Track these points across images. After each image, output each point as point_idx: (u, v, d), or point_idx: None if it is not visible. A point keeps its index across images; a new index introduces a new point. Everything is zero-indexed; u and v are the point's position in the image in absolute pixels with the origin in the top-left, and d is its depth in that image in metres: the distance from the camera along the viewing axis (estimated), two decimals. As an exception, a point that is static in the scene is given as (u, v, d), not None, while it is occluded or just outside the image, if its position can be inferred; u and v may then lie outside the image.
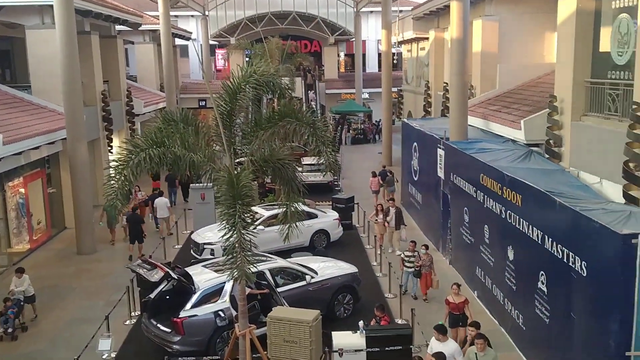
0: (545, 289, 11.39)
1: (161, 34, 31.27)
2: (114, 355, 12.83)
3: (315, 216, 19.83)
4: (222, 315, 12.43)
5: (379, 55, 49.30)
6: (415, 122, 24.62)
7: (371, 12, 54.13)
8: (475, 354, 9.91)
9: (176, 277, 12.53)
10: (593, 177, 13.88)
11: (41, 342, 13.68)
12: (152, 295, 12.96)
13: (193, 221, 21.10)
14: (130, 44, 38.43)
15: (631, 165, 11.81)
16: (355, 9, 48.75)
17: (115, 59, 28.45)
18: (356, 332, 11.55)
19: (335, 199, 22.41)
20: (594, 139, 13.83)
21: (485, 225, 14.72)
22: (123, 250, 20.10)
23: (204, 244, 18.01)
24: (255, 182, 20.70)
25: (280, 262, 14.28)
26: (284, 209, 11.21)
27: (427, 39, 32.15)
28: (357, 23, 48.72)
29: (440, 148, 18.61)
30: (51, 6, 19.56)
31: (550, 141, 15.57)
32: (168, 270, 12.48)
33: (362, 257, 18.92)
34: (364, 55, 53.28)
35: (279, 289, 13.42)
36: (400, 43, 40.01)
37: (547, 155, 15.81)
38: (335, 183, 28.37)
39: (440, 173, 18.68)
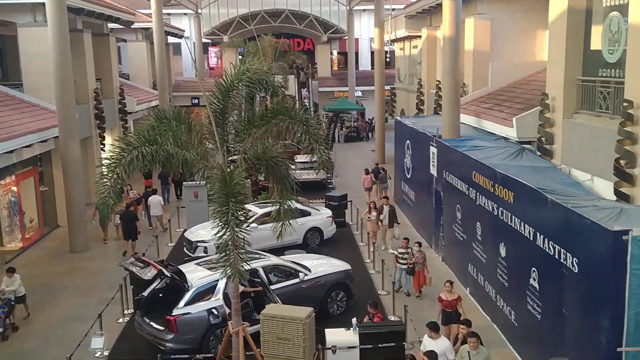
0: (537, 286, 11.46)
1: (154, 32, 31.17)
2: (107, 353, 12.80)
3: (309, 214, 19.85)
4: (216, 312, 12.43)
5: (372, 53, 49.33)
6: (408, 120, 24.67)
7: (364, 10, 54.16)
8: (468, 352, 9.95)
9: (169, 275, 12.51)
10: (584, 175, 13.96)
11: (34, 340, 13.65)
12: (145, 293, 12.94)
13: (186, 219, 21.07)
14: (122, 42, 38.28)
15: (622, 162, 11.90)
16: (348, 7, 48.74)
17: (108, 56, 28.34)
18: (349, 329, 11.58)
19: (329, 197, 22.43)
20: (585, 137, 13.92)
21: (478, 223, 14.79)
22: (116, 249, 20.07)
23: (197, 241, 17.99)
24: (249, 180, 20.69)
25: (273, 260, 14.30)
26: (277, 207, 11.22)
27: (419, 37, 32.19)
28: (350, 21, 48.72)
29: (432, 146, 18.67)
30: (43, 4, 19.47)
31: (542, 139, 15.65)
32: (161, 268, 12.47)
33: (355, 255, 18.96)
34: (356, 54, 53.31)
35: (272, 287, 13.44)
36: (393, 41, 40.06)
37: (538, 153, 15.90)
38: (329, 181, 28.39)
39: (433, 170, 18.74)
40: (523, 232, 11.97)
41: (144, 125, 10.62)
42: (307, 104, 41.31)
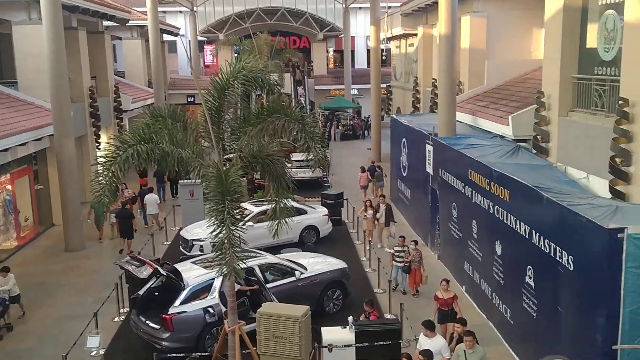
0: (532, 284, 11.48)
1: (149, 30, 31.11)
2: (103, 352, 12.78)
3: (305, 212, 19.84)
4: (212, 311, 12.41)
5: (368, 51, 49.29)
6: (404, 118, 24.67)
7: (360, 8, 54.16)
8: (464, 351, 9.95)
9: (165, 274, 12.49)
10: (580, 173, 13.99)
11: (29, 339, 13.60)
12: (140, 292, 12.91)
13: (182, 217, 21.04)
14: (117, 40, 38.18)
15: (617, 160, 11.93)
16: (344, 5, 48.72)
17: (103, 54, 28.27)
18: (345, 327, 11.58)
19: (325, 195, 22.43)
20: (581, 135, 13.94)
21: (474, 221, 14.80)
22: (111, 247, 20.03)
23: (193, 240, 17.97)
24: (244, 178, 20.68)
25: (269, 258, 14.29)
26: (273, 205, 11.21)
27: (415, 35, 32.19)
28: (346, 19, 48.70)
29: (428, 144, 18.68)
30: (38, 2, 19.39)
31: (538, 137, 15.67)
32: (157, 266, 12.45)
33: (352, 253, 18.96)
34: (352, 52, 53.32)
35: (269, 285, 13.43)
36: (389, 39, 40.03)
37: (534, 151, 15.92)
38: (325, 179, 28.39)
39: (429, 169, 18.75)
40: (519, 230, 11.98)
41: (140, 124, 10.60)
42: (303, 102, 41.24)
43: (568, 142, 14.51)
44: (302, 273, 14.12)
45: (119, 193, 21.08)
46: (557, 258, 10.37)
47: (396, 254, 15.77)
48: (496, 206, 13.23)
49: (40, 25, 19.29)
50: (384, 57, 47.61)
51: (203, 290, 12.66)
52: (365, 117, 46.93)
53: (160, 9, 37.78)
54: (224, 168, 9.79)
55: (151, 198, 21.54)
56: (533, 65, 21.01)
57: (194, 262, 13.96)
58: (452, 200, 16.56)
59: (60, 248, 19.79)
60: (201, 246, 17.60)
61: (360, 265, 17.83)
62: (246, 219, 16.20)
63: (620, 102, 11.95)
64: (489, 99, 20.77)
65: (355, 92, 49.25)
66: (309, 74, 49.82)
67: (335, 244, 19.73)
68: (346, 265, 15.33)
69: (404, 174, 22.75)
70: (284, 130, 10.65)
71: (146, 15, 31.62)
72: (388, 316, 14.00)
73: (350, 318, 11.77)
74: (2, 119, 18.67)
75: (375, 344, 11.14)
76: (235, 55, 42.16)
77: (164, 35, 40.14)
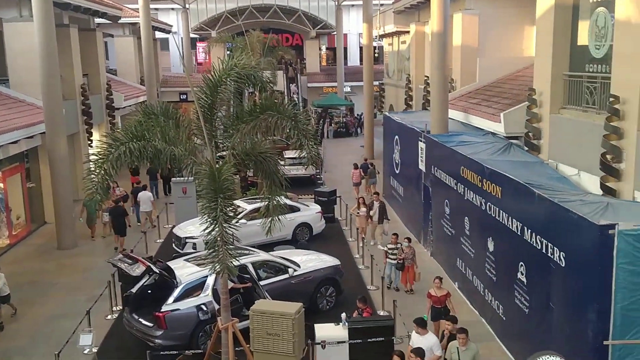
0: (524, 280, 11.54)
1: (141, 27, 30.97)
2: (96, 350, 12.76)
3: (298, 209, 19.84)
4: (205, 309, 12.41)
5: (361, 48, 49.32)
6: (396, 116, 24.70)
7: (352, 5, 54.14)
8: (457, 348, 10.00)
9: (158, 272, 12.47)
10: (571, 169, 14.08)
11: (21, 338, 13.55)
12: (133, 290, 12.89)
13: (175, 215, 21.01)
14: (109, 37, 38.01)
15: (608, 157, 12.01)
16: (336, 3, 48.70)
17: (95, 52, 28.16)
18: (339, 324, 11.61)
19: (318, 192, 22.45)
20: (572, 132, 14.02)
21: (466, 217, 14.86)
22: (104, 245, 19.98)
23: (186, 238, 17.95)
24: (237, 175, 20.68)
25: (262, 256, 14.29)
26: (266, 203, 11.21)
27: (408, 32, 32.23)
28: (339, 16, 48.68)
29: (421, 141, 18.71)
30: (29, -1, 19.32)
31: (530, 134, 15.75)
32: (150, 264, 12.42)
33: (345, 250, 18.99)
34: (345, 49, 53.30)
35: (262, 282, 13.44)
36: (382, 37, 40.08)
37: (526, 148, 15.99)
38: (318, 176, 28.39)
39: (422, 166, 18.79)
40: (511, 227, 12.04)
41: (132, 121, 10.56)
42: (295, 99, 41.19)
43: (559, 139, 14.58)
44: (295, 270, 14.14)
45: (110, 191, 21.01)
46: (549, 254, 10.43)
47: (389, 251, 15.80)
48: (488, 203, 13.28)
49: (32, 23, 19.19)
50: (376, 55, 47.66)
51: (196, 287, 12.66)
52: (358, 115, 46.96)
53: (152, 6, 37.58)
54: (217, 165, 9.77)
55: (145, 195, 21.51)
56: (525, 63, 21.09)
57: (187, 260, 13.95)
58: (445, 197, 16.61)
59: (53, 246, 19.72)
60: (194, 244, 17.58)
61: (353, 262, 17.86)
62: (239, 216, 16.21)
63: (611, 99, 12.02)
64: (481, 96, 20.83)
65: (348, 89, 49.26)
66: (301, 72, 49.72)
67: (328, 241, 19.75)
68: (339, 263, 15.36)
69: (397, 171, 22.79)
70: (277, 128, 10.65)
71: (138, 12, 31.48)
72: (381, 313, 14.03)
73: (343, 315, 11.80)
74: (-6, 117, 18.60)
75: (369, 340, 11.17)
76: (228, 52, 42.07)
77: (156, 32, 40.00)
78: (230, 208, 9.50)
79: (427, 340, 10.29)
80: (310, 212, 20.18)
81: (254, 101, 19.85)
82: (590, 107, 13.76)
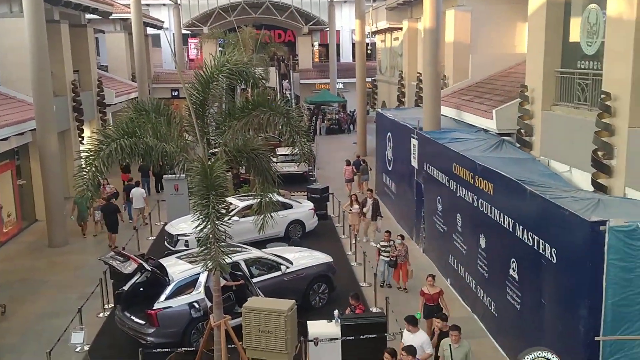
0: (516, 276, 11.57)
1: (132, 23, 30.82)
2: (87, 348, 12.71)
3: (290, 206, 19.83)
4: (197, 306, 12.39)
5: (353, 45, 49.29)
6: (389, 112, 24.72)
7: (345, 1, 54.10)
8: (450, 345, 10.01)
9: (150, 269, 12.43)
10: (563, 166, 14.12)
11: (12, 336, 13.48)
12: (125, 287, 12.85)
13: (167, 212, 20.94)
14: (100, 33, 37.78)
15: (599, 153, 12.05)
16: (328, -1, 48.65)
17: (86, 48, 27.98)
18: (331, 321, 11.61)
19: (310, 189, 22.43)
20: (564, 128, 14.05)
21: (458, 214, 14.88)
22: (95, 243, 19.90)
23: (178, 235, 17.89)
24: (230, 172, 20.61)
25: (255, 253, 14.27)
26: (259, 200, 11.18)
27: (400, 29, 32.21)
28: (331, 13, 48.59)
29: (413, 138, 18.73)
30: (19, -6, 19.18)
31: (522, 130, 15.78)
32: (141, 262, 12.37)
33: (337, 247, 18.99)
34: (338, 45, 53.23)
35: (254, 280, 13.42)
36: (374, 33, 40.04)
37: (518, 145, 16.02)
38: (310, 173, 28.37)
39: (414, 163, 18.81)
40: (502, 224, 12.07)
41: (123, 118, 10.50)
42: (288, 96, 41.12)
43: (551, 136, 14.62)
44: (287, 267, 14.12)
45: (101, 189, 20.92)
46: (541, 251, 10.47)
47: (382, 248, 15.80)
48: (480, 200, 13.31)
49: (22, 18, 19.05)
50: (369, 51, 47.61)
51: (188, 285, 12.63)
52: (350, 111, 46.94)
53: (143, 2, 37.43)
54: (209, 162, 9.73)
55: (137, 192, 21.45)
56: (517, 60, 21.12)
57: (179, 257, 13.91)
58: (437, 194, 16.63)
59: (44, 244, 19.62)
60: (186, 241, 17.52)
61: (346, 259, 17.86)
62: (231, 213, 16.16)
63: (602, 96, 12.06)
64: (473, 93, 20.85)
65: (341, 86, 49.23)
66: (294, 68, 49.66)
67: (321, 238, 19.75)
68: (332, 260, 15.36)
69: (389, 168, 22.81)
70: (269, 125, 10.61)
71: (129, 8, 31.32)
72: (374, 310, 14.04)
73: (336, 312, 11.79)
74: (-17, 114, 18.46)
75: (361, 337, 11.18)
76: (220, 48, 41.93)
77: (148, 28, 39.80)
78: (223, 205, 9.47)
79: (417, 338, 10.30)
80: (302, 209, 20.16)
81: (246, 98, 19.75)
82: (582, 103, 13.80)
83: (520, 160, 14.58)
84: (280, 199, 17.62)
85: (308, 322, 11.78)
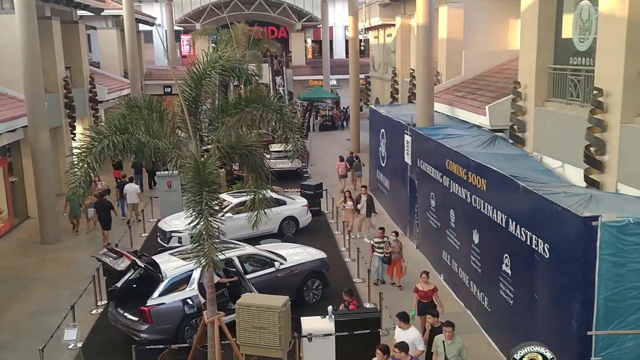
0: (509, 272, 11.62)
1: (124, 20, 30.65)
2: (81, 345, 12.67)
3: (284, 203, 19.82)
4: (191, 303, 12.37)
5: (346, 41, 49.23)
6: (382, 109, 24.72)
7: (338, -2, 53.99)
8: (443, 341, 10.04)
9: (143, 266, 12.40)
10: (555, 162, 14.17)
11: (4, 333, 13.42)
12: (118, 284, 12.81)
13: (160, 209, 20.89)
14: (92, 30, 37.58)
15: (592, 149, 12.10)
16: (321, -5, 48.55)
17: (77, 44, 27.83)
18: (325, 317, 11.61)
19: (304, 186, 22.42)
20: (557, 124, 14.10)
21: (451, 210, 14.92)
22: (88, 239, 19.83)
23: (171, 232, 17.86)
24: (223, 169, 20.58)
25: (248, 249, 14.26)
26: (252, 196, 11.17)
27: (393, 25, 32.21)
28: (324, 9, 48.51)
29: (407, 134, 18.74)
30: (10, -10, 19.06)
31: (514, 126, 15.82)
32: (134, 258, 12.34)
33: (331, 243, 19.01)
34: (331, 42, 53.13)
35: (248, 276, 13.41)
36: (367, 29, 40.02)
37: (511, 141, 16.07)
38: (304, 170, 28.36)
39: (407, 159, 18.83)
40: (495, 219, 12.11)
41: (115, 114, 10.46)
42: (281, 92, 41.10)
43: (544, 132, 14.67)
44: (281, 264, 14.13)
45: (92, 185, 20.84)
46: (533, 246, 10.51)
47: (376, 245, 15.81)
48: (473, 195, 13.34)
49: (13, 15, 18.93)
50: (362, 48, 47.64)
51: (182, 281, 12.60)
52: (344, 108, 46.92)
53: (136, -2, 37.28)
54: (202, 159, 9.71)
55: (131, 188, 21.41)
56: (510, 56, 21.17)
57: (172, 254, 13.89)
58: (430, 190, 16.66)
59: (36, 241, 19.54)
60: (179, 238, 17.50)
61: (340, 255, 17.88)
62: (225, 210, 16.14)
63: (594, 92, 12.10)
64: (466, 89, 20.89)
65: (334, 82, 49.17)
66: (287, 64, 49.60)
67: (314, 235, 19.76)
68: (325, 256, 15.36)
69: (383, 164, 22.83)
70: (262, 121, 10.59)
71: (121, 4, 31.16)
72: (367, 305, 14.06)
73: (329, 308, 11.79)
74: (-26, 110, 18.34)
75: (355, 333, 11.19)
76: (213, 45, 41.80)
77: (140, 25, 39.61)
78: (216, 202, 9.45)
79: (409, 335, 10.33)
80: (296, 205, 20.16)
81: (239, 94, 19.73)
82: (575, 99, 13.85)
83: (513, 156, 14.62)
84: (274, 195, 17.61)
85: (302, 318, 11.78)
